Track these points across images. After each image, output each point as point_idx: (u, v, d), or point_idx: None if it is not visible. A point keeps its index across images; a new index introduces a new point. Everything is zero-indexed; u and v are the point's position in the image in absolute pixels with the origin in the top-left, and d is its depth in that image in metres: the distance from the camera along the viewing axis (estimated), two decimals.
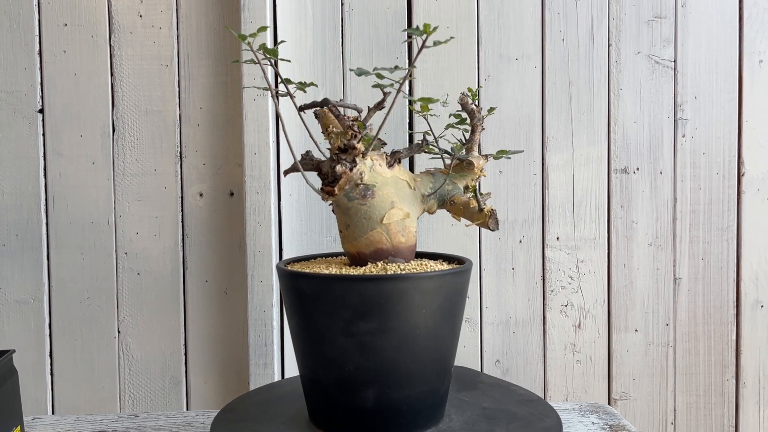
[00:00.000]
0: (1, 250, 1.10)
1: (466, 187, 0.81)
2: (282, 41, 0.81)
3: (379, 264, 0.75)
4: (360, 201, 0.75)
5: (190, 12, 1.11)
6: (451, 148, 0.80)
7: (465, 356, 1.14)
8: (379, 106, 0.77)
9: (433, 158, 0.82)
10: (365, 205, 0.75)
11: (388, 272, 0.71)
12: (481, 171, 0.80)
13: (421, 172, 0.81)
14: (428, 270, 0.72)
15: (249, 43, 0.71)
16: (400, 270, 0.72)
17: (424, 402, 0.72)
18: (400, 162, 0.79)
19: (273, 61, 0.72)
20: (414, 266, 0.75)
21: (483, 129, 0.81)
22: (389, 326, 0.68)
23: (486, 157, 0.81)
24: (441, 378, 0.74)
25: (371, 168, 0.75)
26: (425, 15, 1.12)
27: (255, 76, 1.05)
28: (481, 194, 0.80)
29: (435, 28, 0.66)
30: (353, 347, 0.69)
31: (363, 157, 0.75)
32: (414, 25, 1.12)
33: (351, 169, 0.74)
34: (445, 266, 0.77)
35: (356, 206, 0.75)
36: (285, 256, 1.11)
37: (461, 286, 0.74)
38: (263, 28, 0.70)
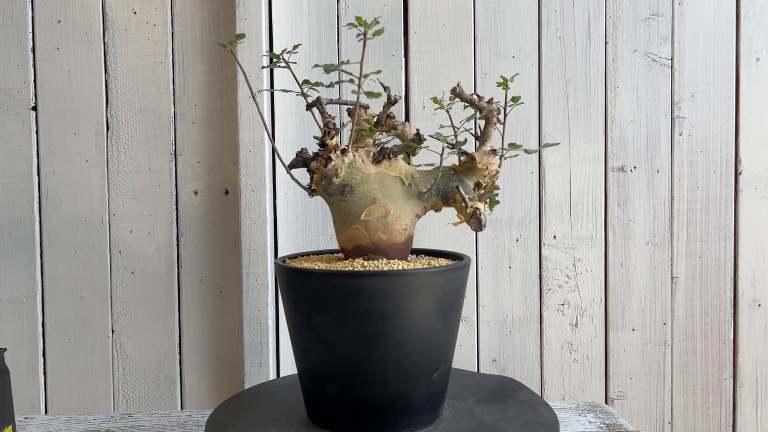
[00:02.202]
0: None
1: (478, 185, 0.76)
2: (298, 44, 0.80)
3: (356, 260, 0.75)
4: (339, 197, 0.74)
5: (185, 9, 1.10)
6: (453, 143, 0.76)
7: (461, 355, 1.13)
8: (392, 102, 0.76)
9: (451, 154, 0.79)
10: (344, 201, 0.74)
11: (346, 268, 0.71)
12: (488, 167, 0.75)
13: (432, 169, 0.78)
14: (387, 269, 0.70)
15: (231, 51, 0.71)
16: (361, 267, 0.71)
17: (392, 404, 0.70)
18: (390, 158, 0.76)
19: (287, 63, 0.73)
20: (380, 264, 0.72)
21: (498, 121, 0.79)
22: (342, 322, 0.68)
23: (494, 151, 0.76)
24: (411, 382, 0.71)
25: (351, 164, 0.74)
26: (421, 12, 1.12)
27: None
28: (479, 192, 0.76)
29: (374, 22, 0.66)
30: (314, 339, 0.70)
31: (344, 153, 0.74)
32: (410, 23, 1.12)
33: (325, 165, 0.73)
34: (417, 265, 0.74)
35: (336, 202, 0.75)
36: (280, 255, 1.11)
37: (433, 288, 0.70)
38: (241, 36, 0.71)
